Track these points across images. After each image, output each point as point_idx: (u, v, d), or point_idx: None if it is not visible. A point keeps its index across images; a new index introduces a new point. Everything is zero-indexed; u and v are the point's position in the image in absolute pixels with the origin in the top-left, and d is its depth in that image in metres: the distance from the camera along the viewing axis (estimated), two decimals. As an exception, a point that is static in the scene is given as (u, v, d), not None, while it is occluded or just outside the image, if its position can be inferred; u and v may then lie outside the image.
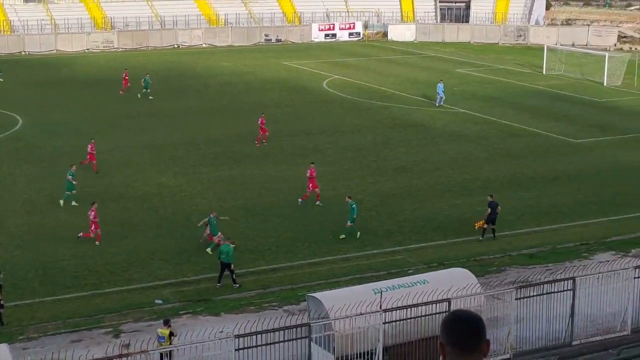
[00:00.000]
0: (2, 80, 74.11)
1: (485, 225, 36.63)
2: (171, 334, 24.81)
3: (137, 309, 29.62)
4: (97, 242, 35.38)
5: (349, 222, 36.52)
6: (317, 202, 40.47)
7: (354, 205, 36.43)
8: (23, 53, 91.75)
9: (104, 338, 27.06)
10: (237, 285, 31.55)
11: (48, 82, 73.79)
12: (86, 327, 28.18)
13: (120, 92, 67.55)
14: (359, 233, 36.61)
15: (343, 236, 36.47)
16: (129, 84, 67.83)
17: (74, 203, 39.97)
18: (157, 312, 29.06)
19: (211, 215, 35.28)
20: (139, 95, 66.13)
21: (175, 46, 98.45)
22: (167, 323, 25.23)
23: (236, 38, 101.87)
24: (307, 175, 41.08)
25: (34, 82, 73.73)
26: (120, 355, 22.13)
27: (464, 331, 5.84)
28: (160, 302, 30.29)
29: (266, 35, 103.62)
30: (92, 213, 35.62)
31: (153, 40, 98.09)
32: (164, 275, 32.69)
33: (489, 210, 36.62)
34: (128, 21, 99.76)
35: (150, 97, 65.99)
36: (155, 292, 31.19)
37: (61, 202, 40.21)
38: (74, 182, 40.19)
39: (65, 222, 38.17)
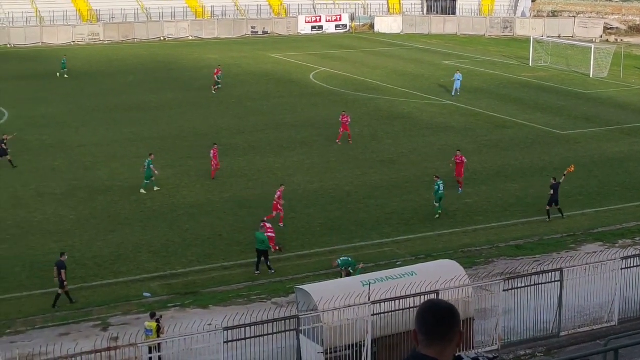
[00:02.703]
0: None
1: (548, 207, 37.99)
2: (159, 329, 24.77)
3: (125, 302, 29.57)
4: (280, 224, 36.44)
5: (437, 202, 38.43)
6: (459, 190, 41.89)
7: (436, 186, 38.20)
8: (8, 46, 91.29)
9: (92, 331, 26.99)
10: (273, 271, 32.05)
11: (34, 75, 73.46)
12: (74, 320, 28.11)
13: (213, 90, 66.29)
14: (438, 214, 38.38)
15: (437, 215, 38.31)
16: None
17: (156, 188, 41.32)
18: (145, 305, 29.00)
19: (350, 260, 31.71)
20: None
21: (162, 39, 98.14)
22: (153, 316, 25.21)
23: (223, 30, 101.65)
24: (457, 161, 42.42)
25: (19, 75, 73.36)
26: (109, 348, 22.11)
27: (435, 320, 5.99)
28: (148, 295, 30.24)
29: (253, 28, 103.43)
30: (278, 194, 36.86)
31: (139, 32, 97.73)
32: (152, 268, 32.64)
33: (552, 191, 37.82)
34: (114, 13, 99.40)
35: (214, 92, 65.39)
36: (143, 285, 31.14)
37: (142, 190, 41.12)
38: (156, 172, 41.31)
39: (51, 215, 38.06)
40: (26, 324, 27.88)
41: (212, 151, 43.97)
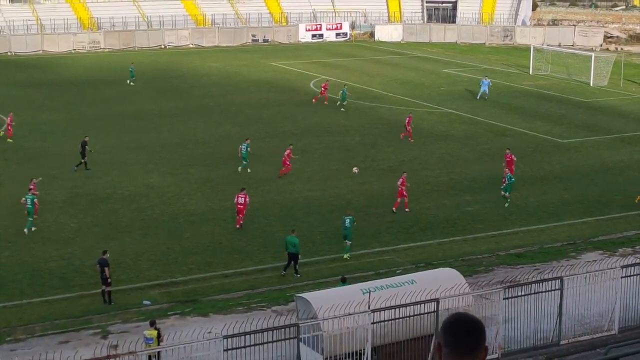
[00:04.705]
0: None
1: None
2: (159, 335, 24.76)
3: (125, 310, 29.57)
4: (406, 209, 39.65)
5: (507, 192, 41.49)
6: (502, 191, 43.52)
7: (507, 178, 41.74)
8: (9, 54, 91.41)
9: (92, 339, 26.99)
10: (298, 275, 32.43)
11: (35, 83, 73.52)
12: (74, 328, 28.10)
13: (313, 100, 65.22)
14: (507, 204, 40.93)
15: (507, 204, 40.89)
16: (326, 95, 65.09)
17: (248, 170, 45.51)
18: (145, 313, 28.99)
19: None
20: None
21: (162, 47, 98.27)
22: (153, 324, 25.19)
23: (223, 38, 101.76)
24: (507, 160, 44.55)
25: (20, 83, 73.44)
26: (108, 357, 22.09)
27: (461, 334, 5.88)
28: (148, 303, 30.23)
29: (253, 36, 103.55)
30: (401, 180, 39.80)
31: (140, 40, 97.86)
32: (152, 276, 32.63)
33: None
34: (114, 21, 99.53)
35: (342, 109, 63.26)
36: (143, 293, 31.13)
37: (239, 168, 45.44)
38: (248, 151, 45.70)
39: (52, 223, 38.07)
40: (26, 331, 27.89)
41: (287, 151, 45.48)
